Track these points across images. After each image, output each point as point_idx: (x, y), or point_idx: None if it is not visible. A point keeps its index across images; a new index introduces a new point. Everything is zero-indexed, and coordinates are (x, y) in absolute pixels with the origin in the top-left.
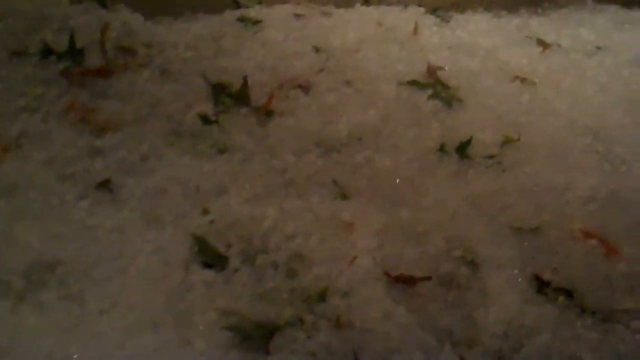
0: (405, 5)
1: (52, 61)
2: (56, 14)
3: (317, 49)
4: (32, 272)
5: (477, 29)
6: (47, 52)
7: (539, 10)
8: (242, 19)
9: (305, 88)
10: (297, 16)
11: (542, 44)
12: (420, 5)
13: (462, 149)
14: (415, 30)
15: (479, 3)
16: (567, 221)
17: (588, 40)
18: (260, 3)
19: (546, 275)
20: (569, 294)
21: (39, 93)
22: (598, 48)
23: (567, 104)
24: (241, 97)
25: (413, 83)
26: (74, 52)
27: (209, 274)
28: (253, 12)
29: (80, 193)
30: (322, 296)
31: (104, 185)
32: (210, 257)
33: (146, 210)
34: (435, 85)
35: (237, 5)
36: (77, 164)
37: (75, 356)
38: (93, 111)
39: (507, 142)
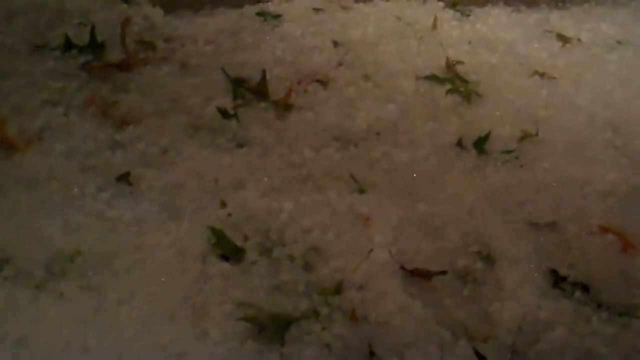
0: (425, 0)
1: (73, 55)
2: (77, 8)
3: (336, 44)
4: (52, 262)
5: (497, 23)
6: (68, 46)
7: (559, 5)
8: (261, 14)
9: (324, 82)
10: (316, 10)
11: (562, 38)
12: (439, 0)
13: (480, 143)
14: (435, 25)
15: None
16: (584, 216)
17: (609, 34)
18: None
19: (562, 271)
20: (585, 288)
21: (60, 87)
22: (619, 42)
23: (587, 99)
24: (260, 91)
25: (432, 77)
26: (95, 46)
27: (226, 266)
28: (272, 7)
29: (101, 185)
30: (337, 289)
31: (124, 177)
32: (228, 250)
33: (165, 203)
34: (454, 80)
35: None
36: (97, 157)
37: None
38: (114, 105)
39: (525, 137)
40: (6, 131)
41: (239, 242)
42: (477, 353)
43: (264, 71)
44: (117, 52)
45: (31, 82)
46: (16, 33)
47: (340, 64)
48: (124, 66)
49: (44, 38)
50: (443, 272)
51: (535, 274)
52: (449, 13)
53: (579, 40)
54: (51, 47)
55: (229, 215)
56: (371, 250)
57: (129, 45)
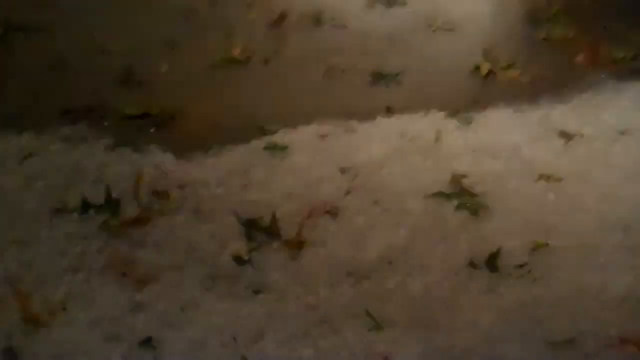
0: (427, 111)
1: (91, 215)
2: (92, 165)
3: (343, 170)
4: None
5: (499, 127)
6: (85, 206)
7: (560, 98)
8: (268, 147)
9: (333, 213)
10: (322, 137)
11: (565, 135)
12: (441, 108)
13: (492, 261)
14: (438, 138)
15: (500, 98)
16: (603, 327)
17: (611, 125)
18: (285, 126)
19: None
20: None
21: (80, 251)
22: (621, 133)
23: (595, 198)
24: (272, 232)
25: (439, 195)
26: (111, 204)
27: None
28: (279, 138)
29: (125, 353)
30: None
31: (147, 342)
32: None
33: None
34: (461, 195)
35: (263, 131)
36: (120, 323)
37: None
38: (132, 263)
39: (536, 248)
40: (31, 306)
41: None
42: None
43: (273, 214)
44: (133, 206)
45: (52, 249)
46: (35, 198)
47: (348, 192)
48: (140, 221)
49: (62, 200)
50: None
51: None
52: (451, 123)
53: (581, 135)
54: (70, 209)
55: None
56: None
57: (144, 198)
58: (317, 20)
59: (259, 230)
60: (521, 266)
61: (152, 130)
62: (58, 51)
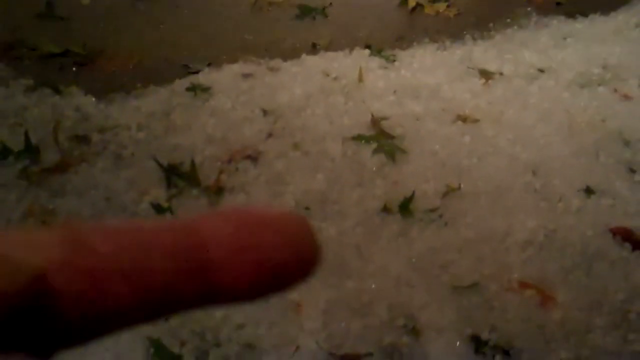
0: (351, 48)
1: (10, 162)
2: (11, 107)
3: (265, 112)
4: None
5: (421, 66)
6: (4, 153)
7: (484, 34)
8: (191, 88)
9: (254, 158)
10: (245, 76)
11: (485, 74)
12: (366, 45)
13: (405, 206)
14: (360, 77)
15: (425, 34)
16: (505, 272)
17: (530, 62)
18: (209, 64)
19: (484, 334)
20: (506, 351)
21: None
22: (540, 71)
23: (509, 140)
24: (191, 178)
25: (358, 138)
26: (31, 150)
27: None
28: (202, 78)
29: None
30: None
31: None
32: (166, 359)
33: None
34: (379, 138)
35: (187, 70)
36: None
37: None
38: (52, 212)
39: (449, 192)
40: None
41: (176, 349)
42: None
43: (192, 160)
44: (53, 152)
45: None
46: None
47: (269, 135)
48: (60, 168)
49: None
50: (369, 354)
51: (458, 342)
52: (375, 61)
53: (501, 74)
54: None
55: (166, 320)
56: (297, 347)
57: (64, 144)
58: None
59: (179, 176)
60: (433, 210)
61: (73, 69)
62: None
